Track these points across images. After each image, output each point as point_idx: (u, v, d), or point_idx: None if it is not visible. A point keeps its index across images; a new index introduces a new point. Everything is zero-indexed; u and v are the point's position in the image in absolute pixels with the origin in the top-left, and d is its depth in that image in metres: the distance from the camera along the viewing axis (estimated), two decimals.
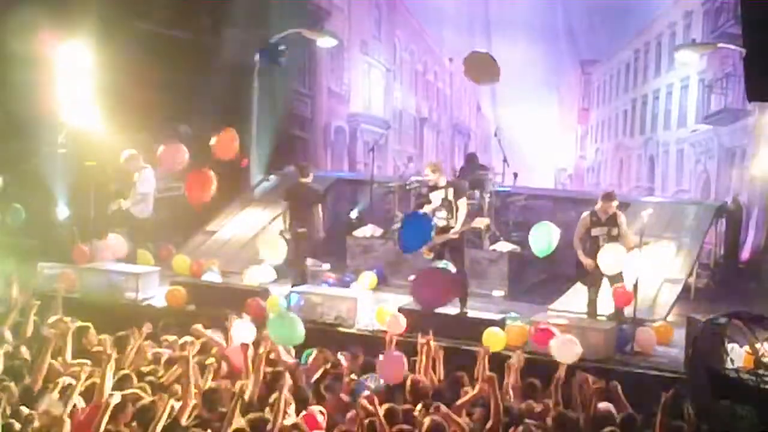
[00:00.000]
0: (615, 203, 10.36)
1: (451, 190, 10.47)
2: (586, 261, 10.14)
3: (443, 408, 6.86)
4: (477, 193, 13.06)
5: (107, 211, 12.54)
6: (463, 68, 9.33)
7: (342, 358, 8.53)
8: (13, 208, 12.46)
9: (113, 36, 13.19)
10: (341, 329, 10.21)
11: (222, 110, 15.50)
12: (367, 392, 7.50)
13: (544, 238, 10.20)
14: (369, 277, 12.22)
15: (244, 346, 7.99)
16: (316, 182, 12.00)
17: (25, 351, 8.36)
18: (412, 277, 10.75)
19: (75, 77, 12.99)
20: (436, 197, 10.48)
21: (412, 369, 8.16)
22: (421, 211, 10.52)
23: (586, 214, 10.42)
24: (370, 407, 6.72)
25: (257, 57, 15.51)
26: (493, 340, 9.40)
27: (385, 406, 6.95)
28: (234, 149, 10.72)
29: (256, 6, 16.13)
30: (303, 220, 11.28)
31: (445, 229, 10.41)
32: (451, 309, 10.29)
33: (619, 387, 7.79)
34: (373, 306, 10.69)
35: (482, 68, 9.23)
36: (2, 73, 12.47)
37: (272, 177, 15.71)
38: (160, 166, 11.72)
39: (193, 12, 15.69)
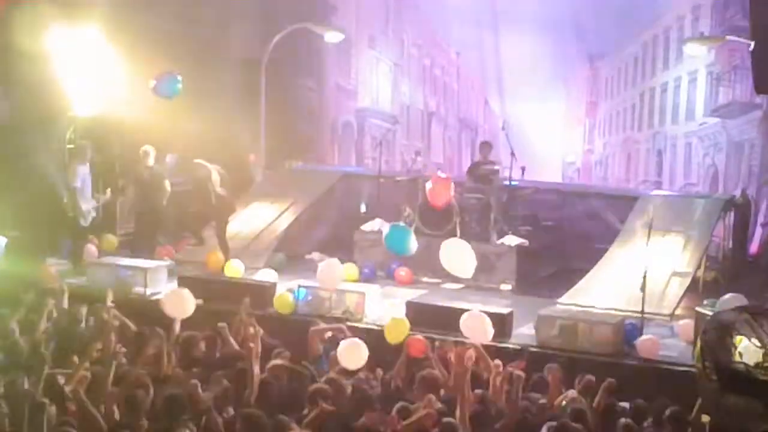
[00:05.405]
0: None
1: None
2: None
3: None
4: (484, 187, 13.09)
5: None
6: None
7: None
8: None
9: (121, 31, 13.20)
10: None
11: (229, 105, 15.53)
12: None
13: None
14: (350, 269, 12.04)
15: None
16: (324, 175, 11.93)
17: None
18: None
19: (83, 72, 13.03)
20: None
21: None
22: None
23: None
24: None
25: None
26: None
27: None
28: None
29: (264, 0, 16.15)
30: None
31: None
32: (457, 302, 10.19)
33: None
34: (382, 301, 10.70)
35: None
36: (11, 67, 12.48)
37: None
38: None
39: (201, 6, 15.69)
